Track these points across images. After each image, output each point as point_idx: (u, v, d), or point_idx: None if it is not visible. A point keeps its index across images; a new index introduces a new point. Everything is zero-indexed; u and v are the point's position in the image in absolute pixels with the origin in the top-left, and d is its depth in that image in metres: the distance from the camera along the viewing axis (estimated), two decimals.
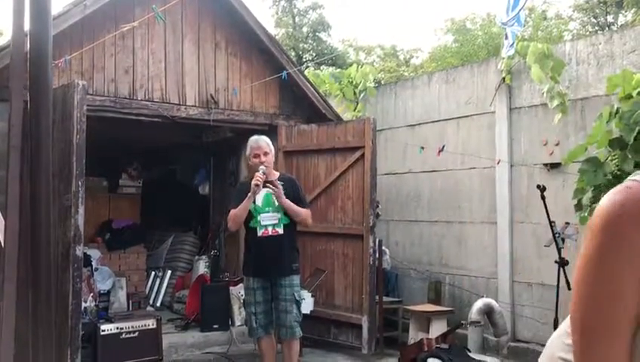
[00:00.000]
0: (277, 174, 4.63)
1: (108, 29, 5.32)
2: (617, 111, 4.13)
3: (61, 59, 4.92)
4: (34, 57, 1.95)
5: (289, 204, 4.42)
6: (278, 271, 4.39)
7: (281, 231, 4.42)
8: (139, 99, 5.64)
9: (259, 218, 4.40)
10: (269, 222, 4.41)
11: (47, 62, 1.97)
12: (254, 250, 4.46)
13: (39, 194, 1.89)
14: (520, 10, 5.24)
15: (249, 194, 4.30)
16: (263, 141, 4.52)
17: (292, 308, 4.38)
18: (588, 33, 15.72)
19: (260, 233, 4.40)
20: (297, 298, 4.44)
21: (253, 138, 4.59)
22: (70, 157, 4.52)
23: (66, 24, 5.04)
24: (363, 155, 5.95)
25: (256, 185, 4.25)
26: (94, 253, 6.97)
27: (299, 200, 4.54)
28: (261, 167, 4.35)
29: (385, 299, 6.22)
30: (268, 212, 4.42)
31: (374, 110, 7.30)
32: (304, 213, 4.53)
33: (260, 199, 4.42)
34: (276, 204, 4.41)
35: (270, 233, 4.41)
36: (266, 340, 4.50)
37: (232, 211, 4.41)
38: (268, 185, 4.38)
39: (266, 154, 4.45)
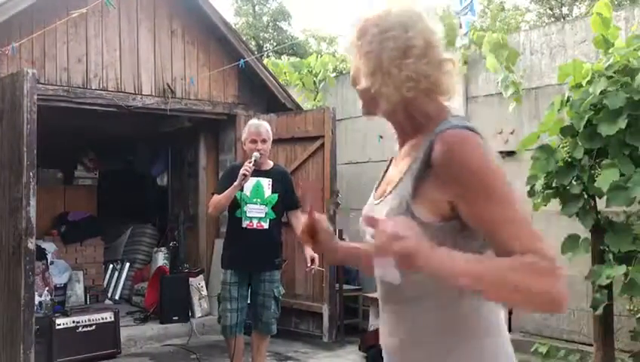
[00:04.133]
0: (271, 164, 4.37)
1: (59, 15, 5.16)
2: (568, 100, 4.22)
3: (8, 47, 4.77)
4: None
5: None
6: (259, 266, 4.18)
7: (266, 226, 4.16)
8: (93, 88, 5.51)
9: (245, 208, 4.13)
10: (256, 215, 4.15)
11: None
12: (236, 241, 4.20)
13: None
14: None
15: (235, 182, 4.03)
16: (264, 127, 4.22)
17: (270, 303, 4.20)
18: (544, 24, 16.03)
19: (244, 224, 4.14)
20: (276, 294, 4.25)
21: (254, 122, 4.32)
22: (20, 148, 4.38)
23: (14, 10, 4.89)
24: (323, 145, 5.95)
25: (244, 175, 4.01)
26: (49, 246, 6.81)
27: (291, 198, 4.34)
28: (255, 153, 4.10)
29: (345, 287, 6.26)
30: (256, 203, 4.16)
31: (334, 100, 7.30)
32: None
33: (248, 188, 4.15)
34: (265, 195, 4.20)
35: (255, 226, 4.15)
36: (237, 339, 4.26)
37: (215, 197, 4.18)
38: None
39: (264, 141, 4.18)
